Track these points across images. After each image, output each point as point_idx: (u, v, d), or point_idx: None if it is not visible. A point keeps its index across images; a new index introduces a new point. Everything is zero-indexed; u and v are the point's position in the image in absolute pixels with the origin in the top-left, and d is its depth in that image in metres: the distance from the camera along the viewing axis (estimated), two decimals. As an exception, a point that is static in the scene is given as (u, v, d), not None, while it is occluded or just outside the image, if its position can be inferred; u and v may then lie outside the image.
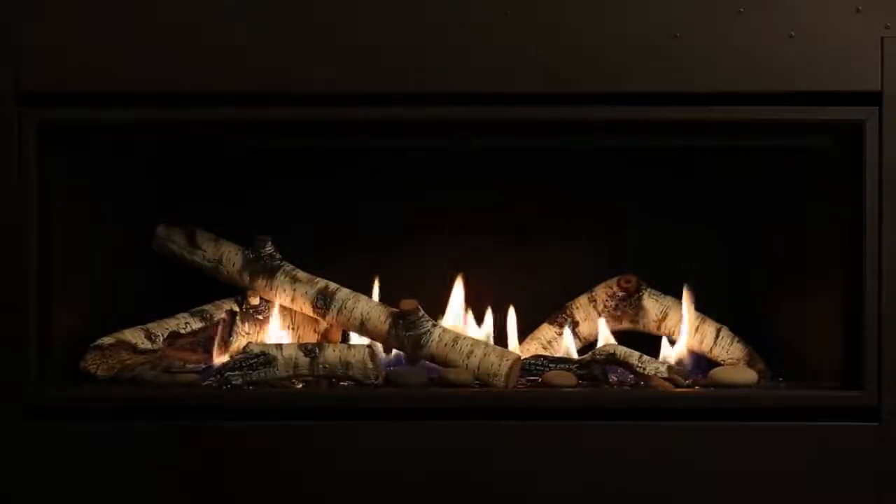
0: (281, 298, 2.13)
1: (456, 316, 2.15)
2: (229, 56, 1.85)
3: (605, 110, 1.86)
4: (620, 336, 2.19)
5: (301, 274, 2.14)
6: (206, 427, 1.85)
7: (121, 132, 2.01)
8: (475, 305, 2.17)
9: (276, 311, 2.13)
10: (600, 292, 2.26)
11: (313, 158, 2.33)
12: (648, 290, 2.25)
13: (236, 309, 2.15)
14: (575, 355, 2.14)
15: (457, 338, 2.03)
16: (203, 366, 2.06)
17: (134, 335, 2.03)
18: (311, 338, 2.18)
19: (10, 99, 1.84)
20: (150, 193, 2.28)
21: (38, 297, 1.86)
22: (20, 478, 1.84)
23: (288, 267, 2.15)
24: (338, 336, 2.20)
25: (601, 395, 1.94)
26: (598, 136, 2.09)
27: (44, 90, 1.85)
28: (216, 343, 2.11)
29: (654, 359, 2.04)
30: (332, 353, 1.99)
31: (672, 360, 2.11)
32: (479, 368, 1.99)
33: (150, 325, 2.06)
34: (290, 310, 2.16)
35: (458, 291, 2.16)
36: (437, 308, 2.14)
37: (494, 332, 2.15)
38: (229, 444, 1.85)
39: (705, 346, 2.20)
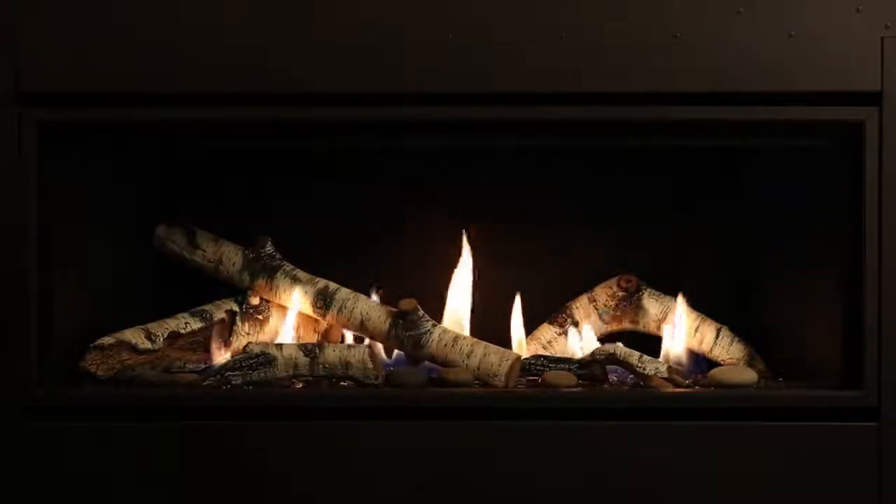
0: (281, 298, 2.13)
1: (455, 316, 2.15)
2: (230, 56, 1.84)
3: (605, 110, 1.86)
4: (620, 336, 2.19)
5: (301, 274, 2.14)
6: (206, 427, 1.85)
7: (121, 132, 2.01)
8: (475, 304, 2.17)
9: (274, 313, 2.14)
10: (600, 292, 2.26)
11: (313, 158, 2.33)
12: (648, 290, 2.25)
13: (236, 309, 2.15)
14: (579, 354, 2.14)
15: (457, 338, 2.03)
16: (203, 366, 2.06)
17: (134, 335, 2.03)
18: (311, 338, 2.18)
19: (10, 99, 1.84)
20: (150, 193, 2.28)
21: (38, 296, 1.86)
22: (20, 478, 1.84)
23: (288, 267, 2.15)
24: (338, 336, 2.20)
25: (601, 395, 1.94)
26: (598, 136, 2.09)
27: (44, 90, 1.85)
28: (216, 343, 2.11)
29: (654, 359, 2.04)
30: (332, 353, 1.99)
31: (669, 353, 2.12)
32: (479, 368, 1.99)
33: (150, 325, 2.06)
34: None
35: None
36: (437, 308, 2.14)
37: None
38: (229, 444, 1.84)
39: (705, 346, 2.20)
